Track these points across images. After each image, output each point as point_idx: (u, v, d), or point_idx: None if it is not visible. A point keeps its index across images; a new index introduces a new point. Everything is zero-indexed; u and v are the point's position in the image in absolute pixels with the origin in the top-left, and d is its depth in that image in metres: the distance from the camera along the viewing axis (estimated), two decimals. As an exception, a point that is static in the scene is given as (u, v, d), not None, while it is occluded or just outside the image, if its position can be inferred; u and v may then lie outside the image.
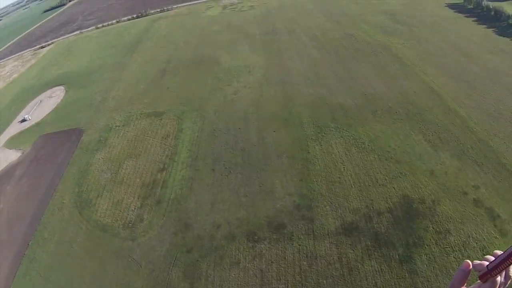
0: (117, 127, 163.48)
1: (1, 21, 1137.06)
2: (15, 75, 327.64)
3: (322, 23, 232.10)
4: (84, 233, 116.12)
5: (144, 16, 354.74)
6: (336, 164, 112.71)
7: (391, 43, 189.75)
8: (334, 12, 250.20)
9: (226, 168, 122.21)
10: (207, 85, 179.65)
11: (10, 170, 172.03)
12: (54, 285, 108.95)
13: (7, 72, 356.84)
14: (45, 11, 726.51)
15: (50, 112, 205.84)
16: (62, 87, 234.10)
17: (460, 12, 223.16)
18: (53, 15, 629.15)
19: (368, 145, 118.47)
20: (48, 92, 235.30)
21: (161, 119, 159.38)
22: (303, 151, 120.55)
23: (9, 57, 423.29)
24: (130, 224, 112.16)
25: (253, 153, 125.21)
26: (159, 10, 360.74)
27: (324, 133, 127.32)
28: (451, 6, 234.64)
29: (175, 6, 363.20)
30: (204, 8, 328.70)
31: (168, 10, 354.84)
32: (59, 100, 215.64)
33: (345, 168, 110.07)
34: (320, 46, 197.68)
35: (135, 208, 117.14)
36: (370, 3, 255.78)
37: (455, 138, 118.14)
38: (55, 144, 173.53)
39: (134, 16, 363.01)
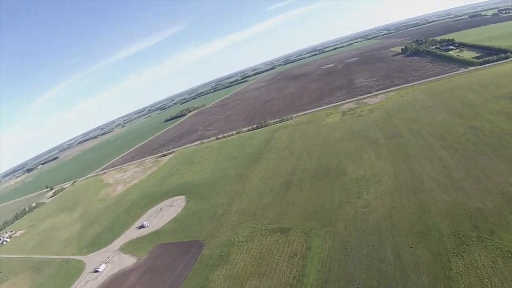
0: (240, 243, 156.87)
1: (124, 127, 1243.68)
2: (135, 181, 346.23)
3: (444, 119, 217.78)
4: None
5: (264, 126, 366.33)
6: (482, 280, 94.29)
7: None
8: (454, 105, 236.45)
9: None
10: (335, 197, 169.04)
11: (124, 275, 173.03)
12: None
13: (128, 177, 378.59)
14: (166, 121, 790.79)
15: (169, 221, 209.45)
16: (183, 197, 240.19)
17: None
18: (174, 124, 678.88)
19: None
20: (169, 201, 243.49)
21: (287, 236, 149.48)
22: (444, 269, 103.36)
23: (131, 163, 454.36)
24: None
25: (390, 274, 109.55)
26: (278, 120, 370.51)
27: (466, 245, 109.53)
28: None
29: (294, 115, 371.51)
30: (324, 115, 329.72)
31: (287, 119, 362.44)
32: (179, 210, 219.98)
33: (492, 284, 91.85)
34: (448, 144, 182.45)
35: None
36: (487, 89, 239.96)
37: None
38: (173, 255, 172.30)
39: (254, 126, 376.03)
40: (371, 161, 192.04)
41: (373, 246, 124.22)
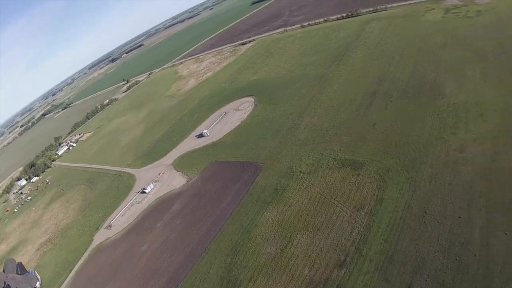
0: (301, 174, 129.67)
1: (212, 10, 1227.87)
2: (209, 74, 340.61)
3: None
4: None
5: (355, 16, 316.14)
6: None
7: None
8: None
9: (428, 288, 79.30)
10: (425, 127, 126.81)
11: (168, 201, 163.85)
12: None
13: (202, 69, 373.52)
14: (253, 3, 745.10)
15: (231, 131, 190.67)
16: (252, 99, 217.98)
17: None
18: (261, 7, 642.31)
19: None
20: (236, 103, 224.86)
21: (358, 175, 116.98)
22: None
23: (209, 51, 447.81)
24: None
25: (471, 269, 76.75)
26: (371, 9, 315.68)
27: None
28: None
29: (389, 6, 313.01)
30: (423, 10, 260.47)
31: (381, 10, 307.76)
32: (244, 117, 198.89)
33: None
34: None
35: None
36: None
37: None
38: (224, 179, 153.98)
39: (344, 15, 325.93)
40: (475, 82, 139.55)
41: (460, 217, 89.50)
